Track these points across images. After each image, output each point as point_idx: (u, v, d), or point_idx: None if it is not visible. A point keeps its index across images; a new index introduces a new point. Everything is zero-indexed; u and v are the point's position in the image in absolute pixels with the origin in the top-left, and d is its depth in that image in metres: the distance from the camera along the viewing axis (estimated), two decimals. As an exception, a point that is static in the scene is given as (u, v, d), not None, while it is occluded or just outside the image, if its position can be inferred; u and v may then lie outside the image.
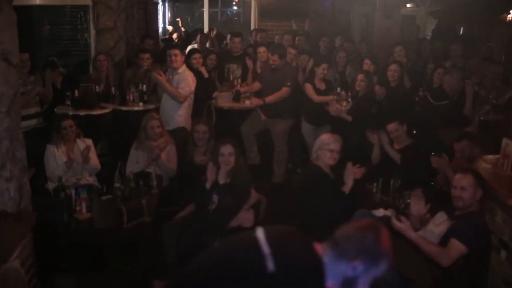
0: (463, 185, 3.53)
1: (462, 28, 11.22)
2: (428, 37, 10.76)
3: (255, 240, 2.04)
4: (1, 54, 3.27)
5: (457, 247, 3.33)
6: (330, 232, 3.93)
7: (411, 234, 3.49)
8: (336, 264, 2.02)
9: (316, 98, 6.35)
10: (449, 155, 4.66)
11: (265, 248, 1.98)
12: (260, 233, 2.07)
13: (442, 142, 5.19)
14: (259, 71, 7.16)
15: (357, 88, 6.02)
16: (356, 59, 7.50)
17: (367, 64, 6.47)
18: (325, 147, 4.25)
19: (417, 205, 3.84)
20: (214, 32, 9.64)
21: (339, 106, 6.08)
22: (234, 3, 15.73)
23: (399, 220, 3.53)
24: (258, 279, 1.95)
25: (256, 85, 6.70)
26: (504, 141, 3.60)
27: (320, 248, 2.06)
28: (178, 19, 12.17)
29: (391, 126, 5.05)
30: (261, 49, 7.21)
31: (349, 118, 5.92)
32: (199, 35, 9.10)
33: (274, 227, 2.19)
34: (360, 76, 6.00)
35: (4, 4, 3.35)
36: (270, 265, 1.93)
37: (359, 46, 8.53)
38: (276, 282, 1.93)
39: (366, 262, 2.01)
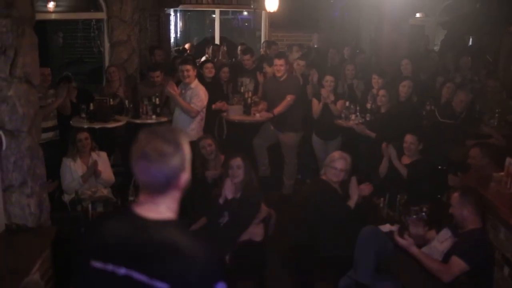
0: (451, 203, 3.65)
1: (471, 39, 11.25)
2: (437, 48, 10.83)
3: None
4: (23, 77, 3.43)
5: (458, 264, 3.42)
6: (337, 246, 4.08)
7: (414, 250, 3.62)
8: None
9: (315, 111, 6.44)
10: (458, 170, 4.75)
11: None
12: None
13: (448, 157, 5.27)
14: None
15: (379, 104, 6.08)
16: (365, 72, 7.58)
17: (375, 79, 6.54)
18: (330, 164, 4.39)
19: (415, 230, 3.94)
20: (225, 47, 9.74)
21: (359, 125, 6.18)
22: (244, 10, 15.83)
23: (402, 237, 3.66)
24: None
25: (264, 105, 6.71)
26: (508, 160, 3.70)
27: None
28: (186, 47, 11.95)
29: (409, 138, 5.10)
30: (267, 68, 7.20)
31: (373, 134, 5.98)
32: (211, 47, 9.21)
33: None
34: (382, 92, 6.04)
35: (26, 27, 3.51)
36: None
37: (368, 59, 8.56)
38: None
39: None
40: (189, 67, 5.87)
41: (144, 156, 1.72)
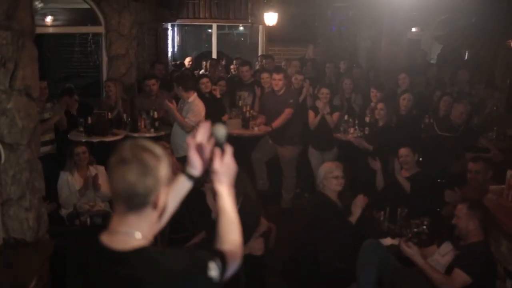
0: (457, 214, 3.62)
1: (467, 52, 11.32)
2: (433, 61, 10.89)
3: None
4: (23, 89, 3.42)
5: (460, 276, 3.40)
6: (338, 260, 4.05)
7: (418, 260, 3.60)
8: None
9: (311, 122, 6.47)
10: (458, 183, 4.73)
11: None
12: None
13: (447, 171, 5.26)
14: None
15: (377, 117, 6.09)
16: (363, 86, 7.61)
17: (373, 92, 6.55)
18: (329, 175, 4.36)
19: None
20: (223, 62, 9.77)
21: (357, 139, 6.19)
22: (241, 25, 15.93)
23: (409, 246, 3.64)
24: None
25: (262, 119, 6.72)
26: (509, 172, 3.70)
27: None
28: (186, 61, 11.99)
29: (403, 151, 5.08)
30: (264, 75, 7.25)
31: (370, 147, 5.97)
32: (208, 62, 9.22)
33: None
34: (380, 105, 6.05)
35: (26, 40, 3.51)
36: None
37: (367, 73, 8.59)
38: None
39: None
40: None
41: (123, 161, 1.59)
